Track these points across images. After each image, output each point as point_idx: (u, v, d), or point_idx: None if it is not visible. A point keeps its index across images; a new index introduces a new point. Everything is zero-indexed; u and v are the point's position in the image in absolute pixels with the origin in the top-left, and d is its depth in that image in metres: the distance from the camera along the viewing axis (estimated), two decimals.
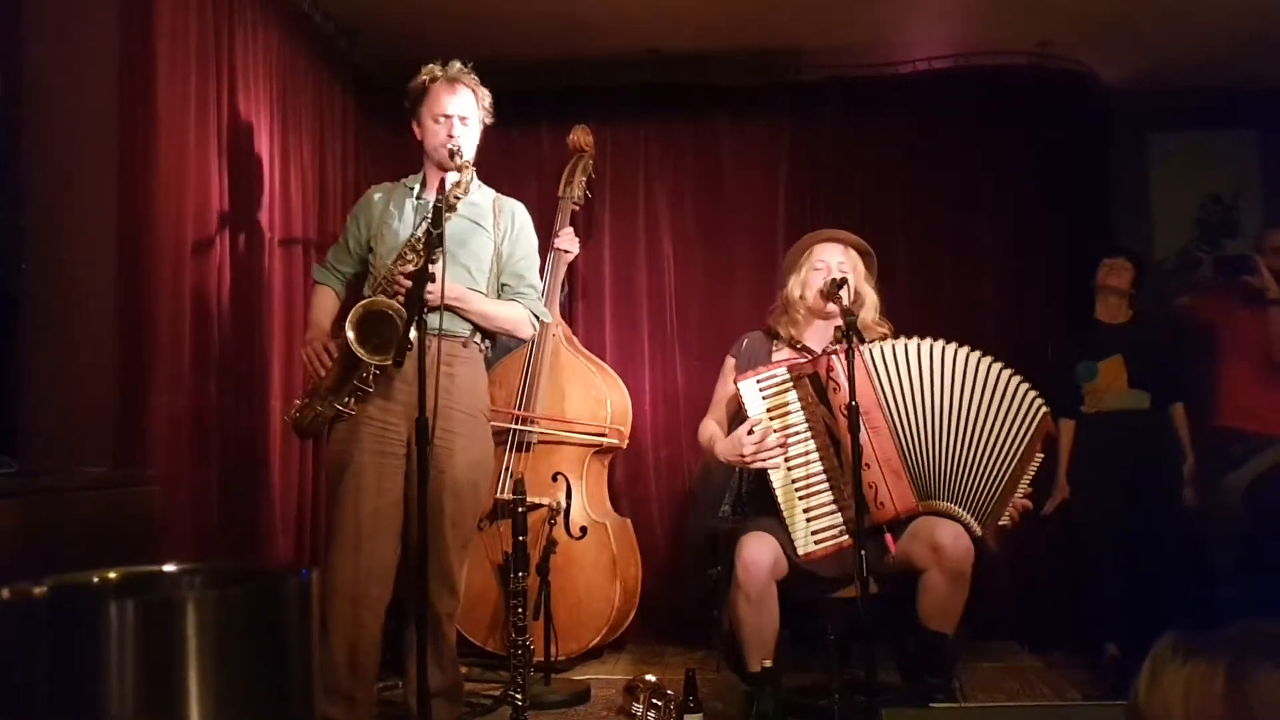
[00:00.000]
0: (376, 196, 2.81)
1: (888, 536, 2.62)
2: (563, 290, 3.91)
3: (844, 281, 2.77)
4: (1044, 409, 2.72)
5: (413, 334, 2.30)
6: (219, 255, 2.91)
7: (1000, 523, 2.68)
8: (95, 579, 1.39)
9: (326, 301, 2.81)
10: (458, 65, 2.74)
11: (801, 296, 2.94)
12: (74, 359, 2.58)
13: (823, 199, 4.19)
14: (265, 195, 3.21)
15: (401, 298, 2.53)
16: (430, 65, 2.75)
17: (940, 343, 2.74)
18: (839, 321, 2.57)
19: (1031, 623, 3.89)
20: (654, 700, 2.77)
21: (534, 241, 2.87)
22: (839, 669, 2.77)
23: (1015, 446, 2.68)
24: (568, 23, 3.78)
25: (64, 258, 2.60)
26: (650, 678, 2.83)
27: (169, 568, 1.46)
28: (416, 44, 3.69)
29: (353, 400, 2.59)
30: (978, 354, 2.73)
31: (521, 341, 3.35)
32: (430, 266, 2.34)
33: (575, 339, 3.93)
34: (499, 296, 2.77)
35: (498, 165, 4.29)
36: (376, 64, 3.98)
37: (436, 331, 2.50)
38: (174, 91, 2.69)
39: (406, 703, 2.72)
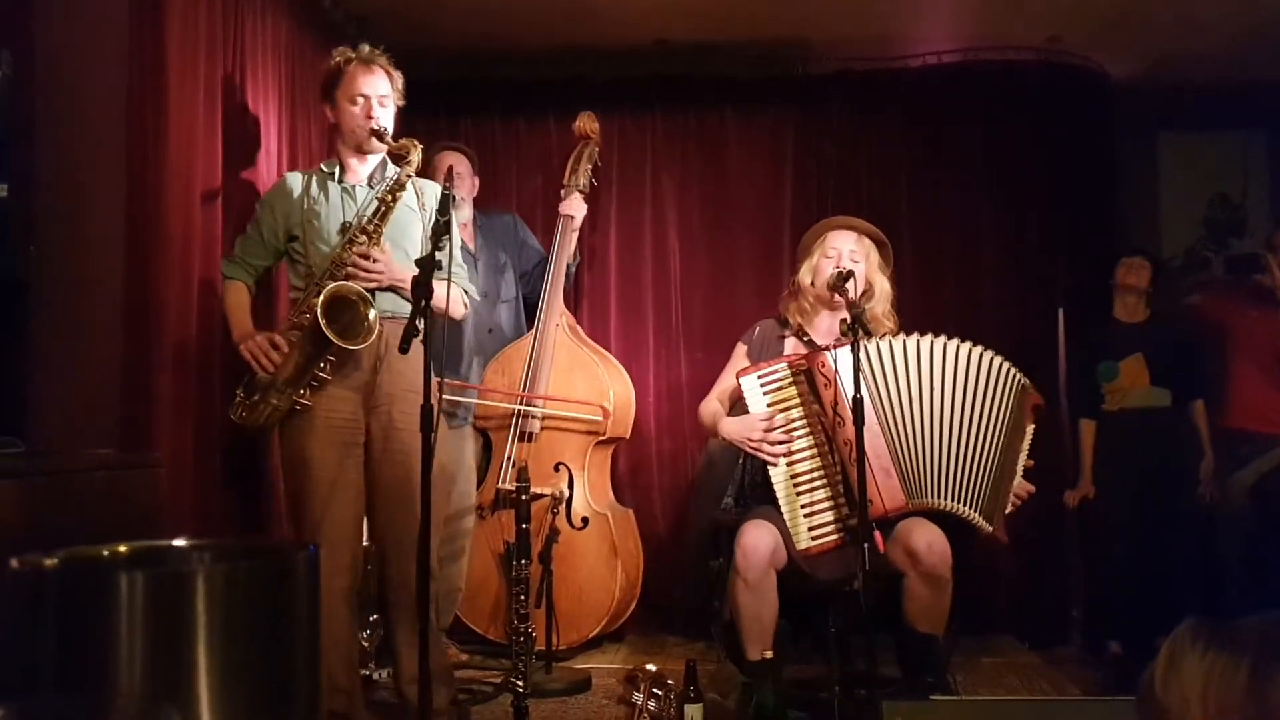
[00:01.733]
0: (292, 185, 2.75)
1: (877, 535, 2.57)
2: (575, 259, 3.90)
3: (850, 275, 2.76)
4: (1020, 378, 2.70)
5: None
6: (226, 240, 2.91)
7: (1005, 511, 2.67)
8: (105, 552, 1.39)
9: (243, 297, 2.75)
10: (367, 48, 2.72)
11: (812, 283, 2.93)
12: (81, 343, 2.58)
13: (829, 193, 4.17)
14: (273, 181, 3.21)
15: (359, 281, 2.54)
16: (341, 48, 2.75)
17: (928, 338, 2.71)
18: (846, 314, 2.56)
19: (1032, 619, 3.88)
20: (654, 690, 2.77)
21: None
22: (839, 662, 2.77)
23: (1000, 422, 2.66)
24: (575, 12, 3.77)
25: (73, 242, 2.59)
26: (651, 667, 2.82)
27: (178, 543, 1.46)
28: (425, 32, 3.71)
29: (307, 391, 2.56)
30: (954, 342, 2.70)
31: (456, 321, 3.12)
32: (437, 254, 2.34)
33: (579, 328, 3.93)
34: None
35: (504, 156, 4.30)
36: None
37: (389, 315, 2.57)
38: (184, 78, 2.69)
39: (397, 688, 2.72)
